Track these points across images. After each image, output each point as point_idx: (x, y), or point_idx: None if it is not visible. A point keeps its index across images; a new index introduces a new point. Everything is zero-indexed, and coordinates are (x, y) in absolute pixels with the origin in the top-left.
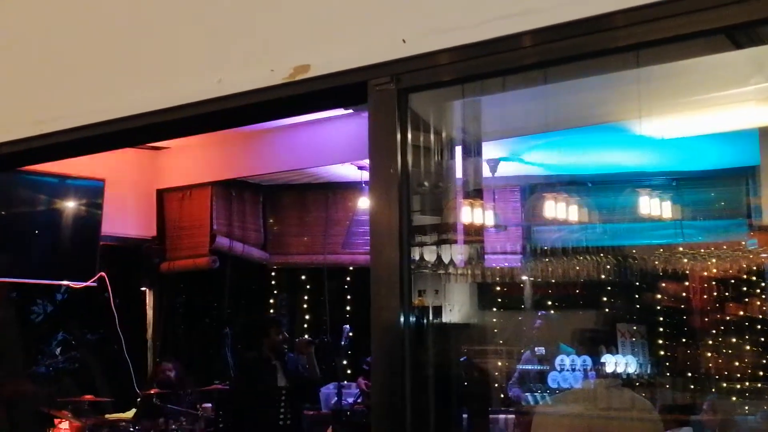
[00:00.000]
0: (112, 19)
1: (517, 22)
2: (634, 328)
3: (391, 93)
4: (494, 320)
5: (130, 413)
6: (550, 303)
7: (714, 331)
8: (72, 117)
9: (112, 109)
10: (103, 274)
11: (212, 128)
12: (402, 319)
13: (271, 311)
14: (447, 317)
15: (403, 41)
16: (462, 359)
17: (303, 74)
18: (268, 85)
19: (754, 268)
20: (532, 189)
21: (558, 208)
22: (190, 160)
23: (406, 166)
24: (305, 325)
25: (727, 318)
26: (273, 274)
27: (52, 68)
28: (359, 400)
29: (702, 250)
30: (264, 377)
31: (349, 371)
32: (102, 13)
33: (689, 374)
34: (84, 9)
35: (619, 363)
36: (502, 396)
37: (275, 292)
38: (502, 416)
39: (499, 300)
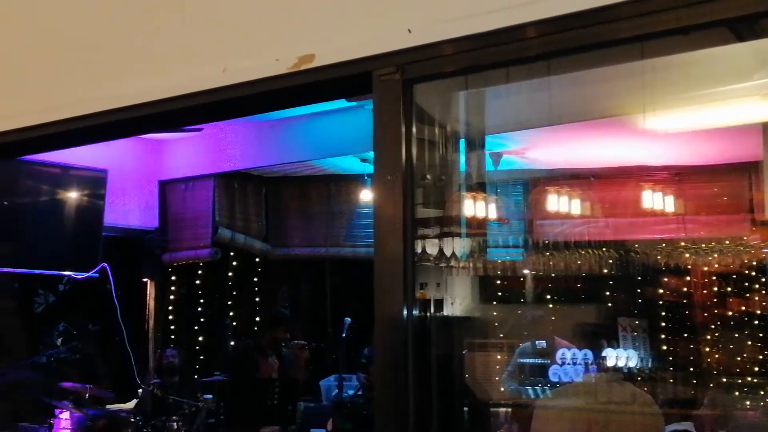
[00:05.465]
0: (118, 7)
1: (522, 12)
2: (636, 322)
3: (396, 83)
4: (495, 314)
5: (131, 404)
6: (551, 297)
7: (715, 326)
8: (75, 105)
9: (117, 97)
10: (105, 264)
11: (217, 118)
12: (405, 312)
13: (273, 304)
14: (448, 310)
15: (409, 31)
16: (463, 352)
17: (308, 64)
18: (272, 74)
19: (755, 263)
20: (535, 182)
21: (560, 202)
22: (193, 152)
23: (410, 157)
24: (307, 318)
25: (729, 313)
26: (275, 266)
27: (56, 57)
28: (360, 392)
29: (704, 245)
30: (259, 368)
31: (350, 364)
32: (107, 1)
33: (690, 369)
34: None
35: (620, 357)
36: (502, 389)
37: (277, 284)
38: (503, 409)
39: (501, 293)
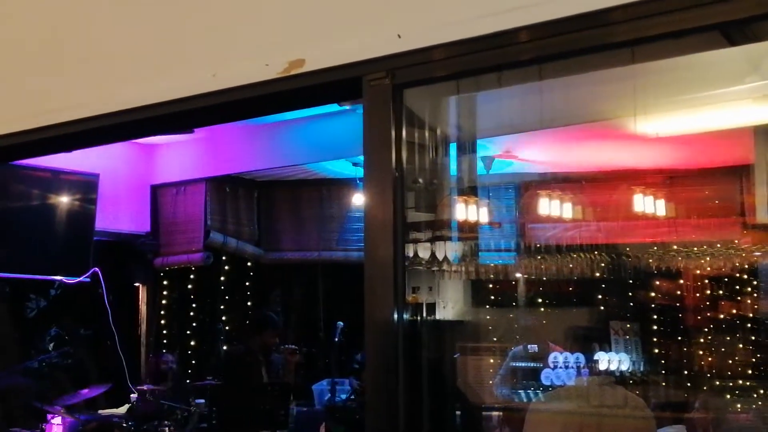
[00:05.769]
0: (109, 13)
1: (513, 17)
2: (628, 325)
3: (387, 88)
4: (488, 317)
5: (123, 408)
6: (543, 300)
7: (707, 329)
8: (68, 110)
9: (108, 102)
10: (96, 269)
11: (207, 122)
12: (396, 316)
13: (264, 308)
14: (441, 314)
15: (399, 36)
16: (455, 355)
17: (298, 69)
18: (263, 79)
19: (747, 266)
20: (527, 186)
21: (552, 206)
22: (185, 156)
23: (400, 161)
24: (299, 322)
25: (720, 316)
26: (267, 270)
27: (47, 62)
28: (352, 397)
29: (695, 248)
30: (251, 372)
31: (342, 368)
32: (98, 7)
33: (682, 372)
34: (80, 2)
35: (612, 360)
36: (495, 393)
37: (269, 288)
38: (495, 413)
39: (493, 297)
